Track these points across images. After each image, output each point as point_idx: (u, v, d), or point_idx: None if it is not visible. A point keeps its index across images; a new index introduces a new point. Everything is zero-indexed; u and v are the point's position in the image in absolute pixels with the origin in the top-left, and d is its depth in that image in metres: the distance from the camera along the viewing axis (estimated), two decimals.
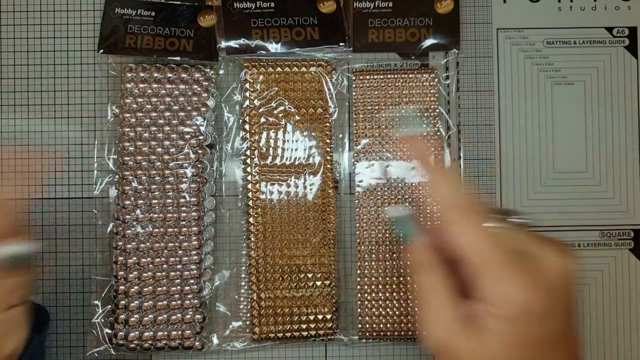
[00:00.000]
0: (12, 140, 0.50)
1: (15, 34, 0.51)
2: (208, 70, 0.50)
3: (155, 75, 0.49)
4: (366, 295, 0.49)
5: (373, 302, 0.49)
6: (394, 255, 0.49)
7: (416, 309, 0.49)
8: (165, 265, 0.48)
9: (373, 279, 0.49)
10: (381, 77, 0.50)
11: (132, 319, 0.47)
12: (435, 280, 0.32)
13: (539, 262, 0.30)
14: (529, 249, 0.31)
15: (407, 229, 0.34)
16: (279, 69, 0.50)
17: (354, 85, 0.51)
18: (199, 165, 0.49)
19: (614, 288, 0.51)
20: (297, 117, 0.50)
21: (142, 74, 0.49)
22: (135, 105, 0.49)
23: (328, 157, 0.50)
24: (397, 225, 0.34)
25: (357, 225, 0.50)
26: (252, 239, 0.49)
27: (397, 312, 0.49)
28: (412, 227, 0.33)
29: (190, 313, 0.48)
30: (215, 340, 0.49)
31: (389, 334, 0.49)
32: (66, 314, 0.49)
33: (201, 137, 0.49)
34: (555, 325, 0.30)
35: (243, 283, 0.50)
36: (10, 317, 0.36)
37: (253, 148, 0.49)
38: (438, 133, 0.50)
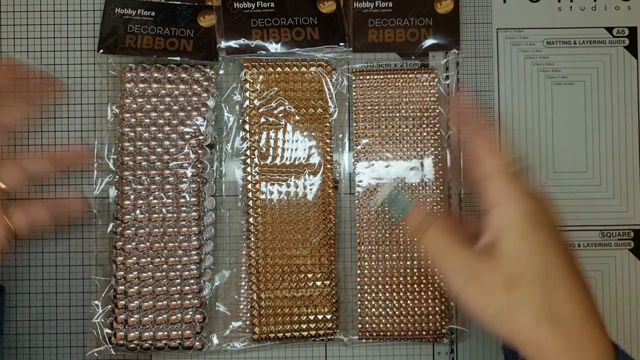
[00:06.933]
0: (12, 140, 0.50)
1: (15, 34, 0.51)
2: (208, 70, 0.50)
3: (155, 75, 0.49)
4: (366, 295, 0.49)
5: (373, 302, 0.49)
6: (394, 255, 0.49)
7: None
8: (165, 266, 0.48)
9: (373, 279, 0.49)
10: (381, 77, 0.50)
11: (131, 319, 0.47)
12: (442, 227, 0.36)
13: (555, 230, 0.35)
14: (551, 217, 0.36)
15: (401, 202, 0.38)
16: (279, 69, 0.50)
17: (354, 85, 0.51)
18: (199, 165, 0.49)
19: (614, 288, 0.51)
20: (297, 117, 0.50)
21: (142, 74, 0.49)
22: (135, 105, 0.49)
23: (328, 157, 0.50)
24: (393, 204, 0.37)
25: (357, 225, 0.50)
26: (252, 239, 0.49)
27: (397, 312, 0.49)
28: (404, 199, 0.37)
29: (190, 313, 0.48)
30: (215, 340, 0.49)
31: (389, 334, 0.49)
32: (66, 314, 0.49)
33: (201, 137, 0.49)
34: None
35: (243, 283, 0.50)
36: None
37: (253, 148, 0.49)
38: (438, 133, 0.50)
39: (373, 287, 0.49)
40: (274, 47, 0.50)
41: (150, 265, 0.48)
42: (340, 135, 0.51)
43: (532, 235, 0.34)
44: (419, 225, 0.37)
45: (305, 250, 0.49)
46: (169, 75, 0.49)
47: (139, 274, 0.47)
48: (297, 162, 0.49)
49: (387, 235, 0.49)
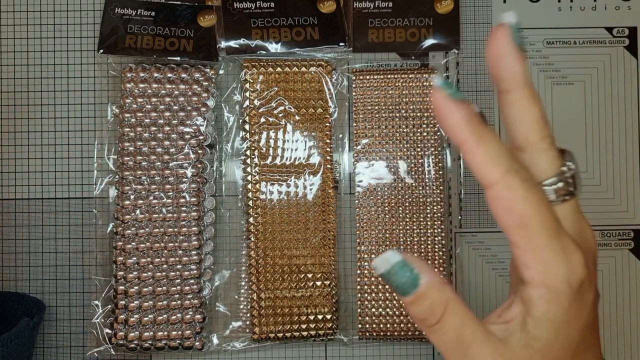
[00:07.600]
0: (12, 140, 0.50)
1: (15, 34, 0.51)
2: (208, 70, 0.50)
3: (155, 75, 0.49)
4: (366, 295, 0.49)
5: (373, 302, 0.49)
6: None
7: None
8: (165, 266, 0.48)
9: (373, 279, 0.49)
10: (381, 77, 0.50)
11: (131, 319, 0.47)
12: (462, 310, 0.25)
13: (589, 239, 0.27)
14: (581, 224, 0.27)
15: (403, 278, 0.25)
16: (279, 69, 0.50)
17: (354, 85, 0.51)
18: (199, 165, 0.49)
19: (614, 288, 0.51)
20: (297, 117, 0.50)
21: (142, 74, 0.49)
22: (135, 105, 0.49)
23: (328, 157, 0.50)
24: (394, 277, 0.25)
25: (357, 225, 0.50)
26: (252, 239, 0.49)
27: (397, 312, 0.49)
28: (408, 274, 0.25)
29: (190, 313, 0.48)
30: (215, 340, 0.49)
31: (389, 334, 0.49)
32: (66, 314, 0.49)
33: (201, 137, 0.49)
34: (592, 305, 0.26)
35: (243, 283, 0.50)
36: None
37: (253, 148, 0.49)
38: (438, 133, 0.50)
39: (373, 287, 0.49)
40: (274, 47, 0.50)
41: (151, 265, 0.48)
42: (340, 135, 0.51)
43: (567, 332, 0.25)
44: (429, 310, 0.24)
45: (305, 250, 0.49)
46: (169, 75, 0.49)
47: (139, 273, 0.47)
48: (297, 162, 0.50)
49: (387, 235, 0.49)
